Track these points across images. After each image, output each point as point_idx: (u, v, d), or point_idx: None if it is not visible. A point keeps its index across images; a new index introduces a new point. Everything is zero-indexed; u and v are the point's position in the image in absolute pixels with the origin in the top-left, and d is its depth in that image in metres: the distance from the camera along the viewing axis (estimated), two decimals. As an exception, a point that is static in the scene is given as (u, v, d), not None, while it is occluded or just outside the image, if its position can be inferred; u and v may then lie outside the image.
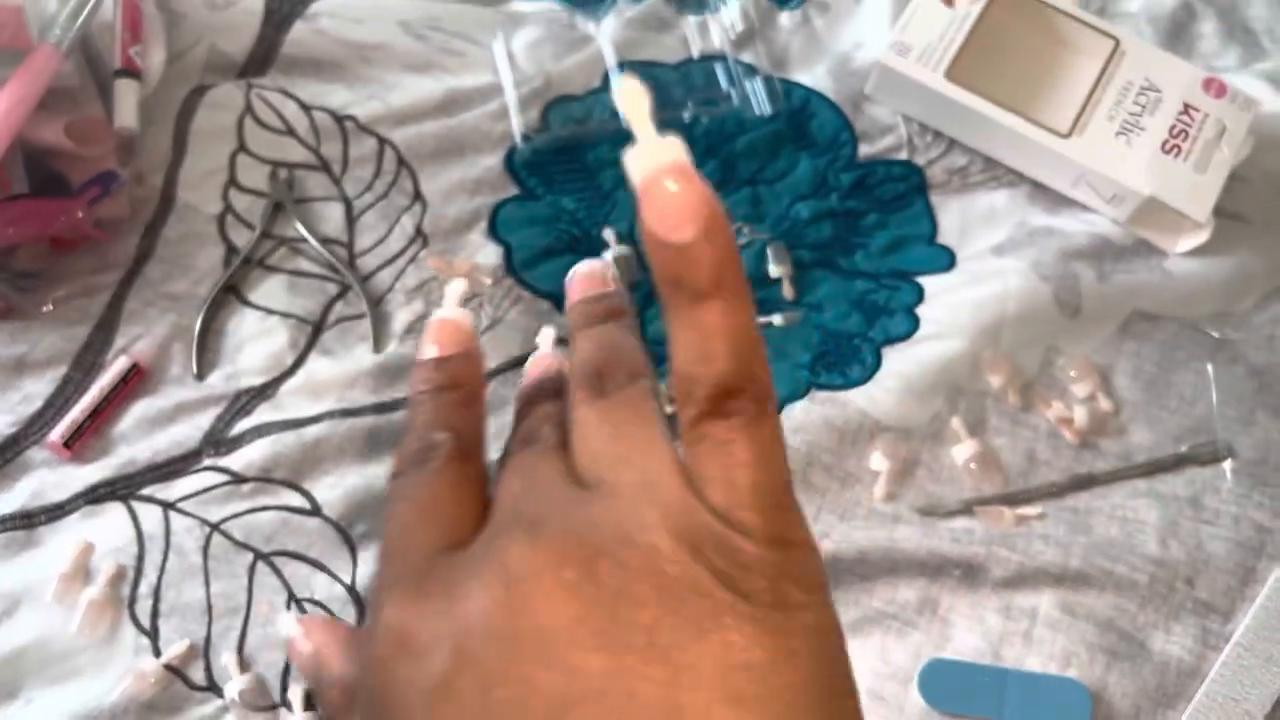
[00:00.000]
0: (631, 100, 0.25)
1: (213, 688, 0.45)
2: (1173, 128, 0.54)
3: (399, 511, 0.27)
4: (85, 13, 0.51)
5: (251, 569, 0.47)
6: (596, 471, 0.25)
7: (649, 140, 0.24)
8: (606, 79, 0.58)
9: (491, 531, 0.25)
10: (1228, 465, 0.51)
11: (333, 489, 0.48)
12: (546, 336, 0.33)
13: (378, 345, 0.52)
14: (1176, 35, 0.61)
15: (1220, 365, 0.53)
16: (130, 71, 0.54)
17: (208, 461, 0.49)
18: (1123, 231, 0.55)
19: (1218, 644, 0.48)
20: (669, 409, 0.26)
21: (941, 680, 0.46)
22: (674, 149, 0.24)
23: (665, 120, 0.57)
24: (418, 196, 0.55)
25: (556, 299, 0.53)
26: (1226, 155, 0.54)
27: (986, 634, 0.47)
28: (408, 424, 0.30)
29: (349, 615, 0.47)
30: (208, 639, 0.46)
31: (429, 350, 0.30)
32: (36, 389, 0.50)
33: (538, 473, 0.26)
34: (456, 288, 0.31)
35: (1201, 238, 0.54)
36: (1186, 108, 0.55)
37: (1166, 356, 0.53)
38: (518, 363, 0.51)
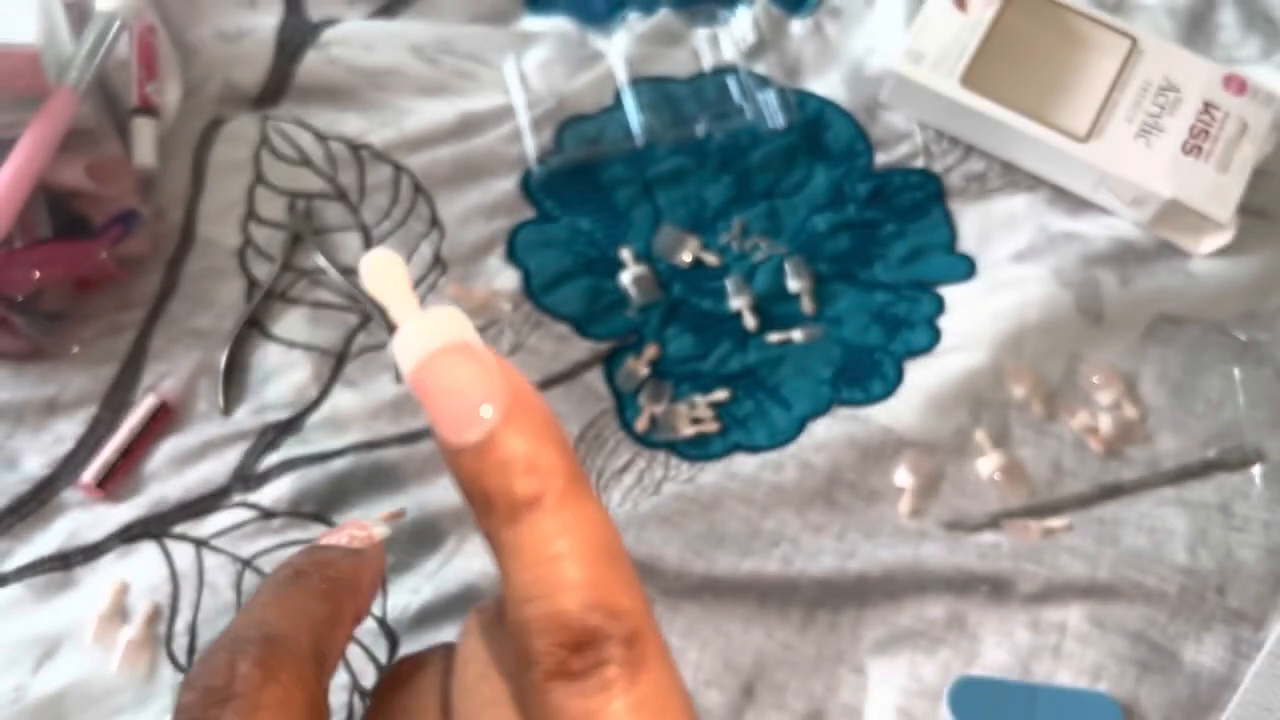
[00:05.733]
0: (380, 275, 0.19)
1: (250, 723, 0.46)
2: (1193, 127, 0.54)
3: None
4: (101, 53, 0.51)
5: (284, 604, 0.48)
6: None
7: (411, 319, 0.19)
8: (619, 97, 0.58)
9: None
10: (1257, 470, 0.51)
11: (361, 522, 0.49)
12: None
13: (400, 376, 0.52)
14: (1195, 27, 0.60)
15: (1247, 368, 0.53)
16: (147, 109, 0.54)
17: (237, 498, 0.50)
18: (1144, 234, 0.55)
19: (1250, 653, 0.48)
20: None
21: (971, 697, 0.46)
22: (449, 322, 0.19)
23: (679, 137, 0.57)
24: (435, 223, 0.55)
25: (575, 322, 0.53)
26: (1249, 153, 0.54)
27: (1015, 649, 0.47)
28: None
29: (380, 648, 0.47)
30: (243, 674, 0.47)
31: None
32: (68, 430, 0.51)
33: None
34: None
35: (1225, 238, 0.54)
36: (1207, 106, 0.54)
37: (1192, 360, 0.53)
38: (538, 388, 0.52)
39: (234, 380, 0.52)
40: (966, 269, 0.55)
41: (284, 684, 0.19)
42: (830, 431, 0.51)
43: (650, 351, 0.53)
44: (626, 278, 0.54)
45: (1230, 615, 0.48)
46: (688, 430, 0.51)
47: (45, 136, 0.49)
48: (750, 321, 0.53)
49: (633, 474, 0.51)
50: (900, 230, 0.55)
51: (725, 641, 0.47)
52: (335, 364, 0.52)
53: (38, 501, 0.49)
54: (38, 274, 0.50)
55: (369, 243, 0.55)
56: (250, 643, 0.20)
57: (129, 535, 0.49)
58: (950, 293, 0.54)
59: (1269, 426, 0.52)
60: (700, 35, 0.60)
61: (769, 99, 0.58)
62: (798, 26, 0.60)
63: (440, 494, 0.50)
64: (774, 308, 0.54)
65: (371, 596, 0.25)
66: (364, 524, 0.26)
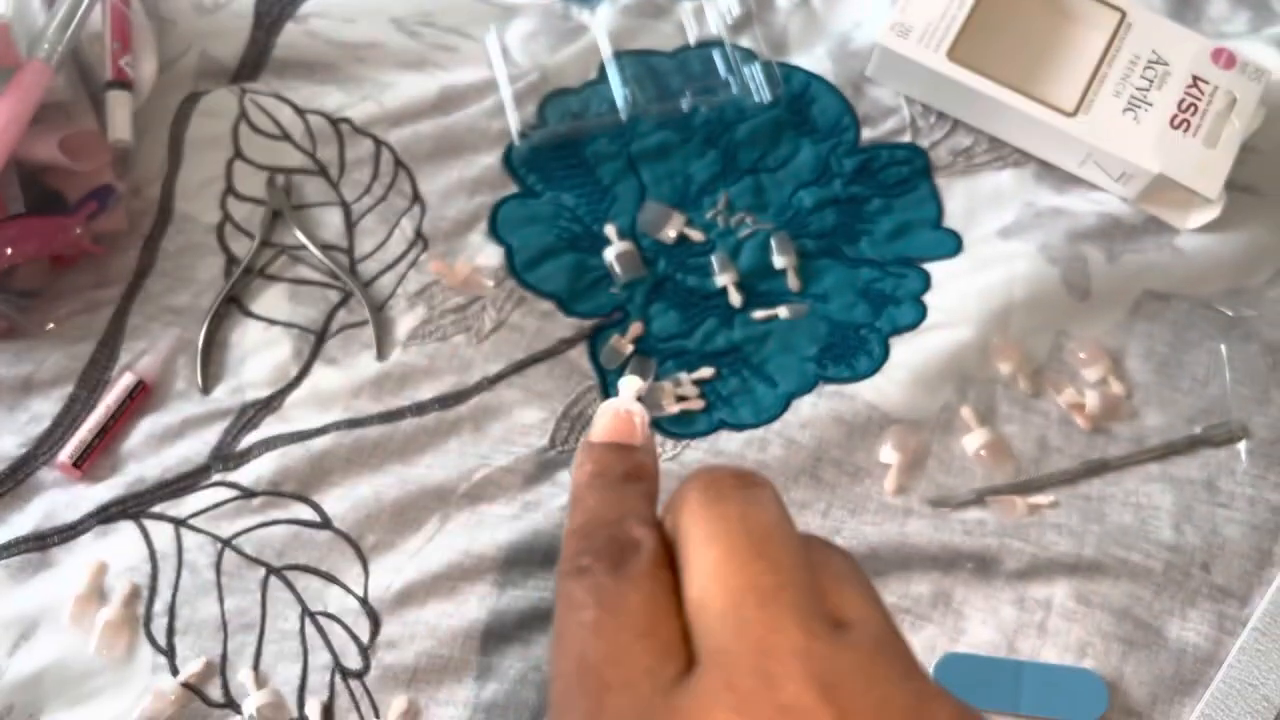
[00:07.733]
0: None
1: (230, 704, 0.46)
2: (1181, 102, 0.53)
3: (602, 624, 0.24)
4: (74, 26, 0.50)
5: (264, 584, 0.47)
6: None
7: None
8: (603, 71, 0.57)
9: (721, 664, 0.23)
10: (1242, 446, 0.51)
11: (342, 501, 0.48)
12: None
13: (381, 353, 0.51)
14: (1185, 1, 0.60)
15: (1233, 344, 0.52)
16: (122, 83, 0.53)
17: (216, 477, 0.49)
18: (1132, 210, 0.54)
19: (1234, 629, 0.48)
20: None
21: (957, 674, 0.46)
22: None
23: (664, 111, 0.56)
24: (416, 198, 0.54)
25: (559, 299, 0.53)
26: (1237, 128, 0.53)
27: (1001, 626, 0.47)
28: (580, 513, 0.28)
29: (362, 627, 0.47)
30: (224, 656, 0.46)
31: (608, 434, 0.30)
32: (44, 408, 0.50)
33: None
34: (632, 384, 0.34)
35: (1213, 213, 0.53)
36: (1195, 80, 0.54)
37: (1178, 337, 0.53)
38: (521, 366, 0.51)
39: (213, 358, 0.51)
40: (953, 245, 0.54)
41: (666, 574, 0.26)
42: (816, 409, 0.51)
43: (635, 329, 0.52)
44: (611, 254, 0.53)
45: (1215, 591, 0.48)
46: (673, 408, 0.51)
47: (17, 110, 0.48)
48: (735, 298, 0.53)
49: (617, 452, 0.50)
50: (886, 206, 0.55)
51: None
52: (315, 341, 0.52)
53: (13, 481, 0.49)
54: (11, 251, 0.49)
55: (349, 219, 0.54)
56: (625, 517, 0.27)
57: (107, 515, 0.48)
58: (936, 269, 0.54)
59: (1254, 402, 0.51)
60: (685, 8, 0.59)
61: (755, 73, 0.57)
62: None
63: (422, 472, 0.49)
64: (759, 284, 0.54)
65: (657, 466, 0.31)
66: (631, 414, 0.31)
